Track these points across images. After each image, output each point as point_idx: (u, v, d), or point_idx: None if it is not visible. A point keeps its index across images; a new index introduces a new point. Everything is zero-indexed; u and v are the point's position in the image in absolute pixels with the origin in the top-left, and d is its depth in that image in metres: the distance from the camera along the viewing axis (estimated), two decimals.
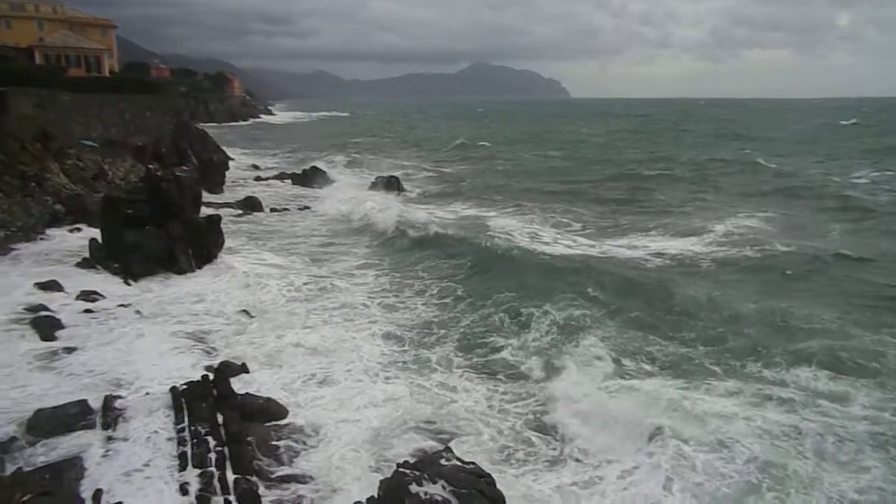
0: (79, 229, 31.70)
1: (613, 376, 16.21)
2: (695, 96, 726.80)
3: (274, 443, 13.33)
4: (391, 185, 47.98)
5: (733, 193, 45.64)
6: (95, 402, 14.09)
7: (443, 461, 11.80)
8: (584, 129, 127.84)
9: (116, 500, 10.88)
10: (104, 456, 12.57)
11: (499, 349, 18.55)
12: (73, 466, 11.96)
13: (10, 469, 11.69)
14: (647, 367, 16.87)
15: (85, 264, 25.72)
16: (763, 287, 23.73)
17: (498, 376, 16.87)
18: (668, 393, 14.70)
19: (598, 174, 57.90)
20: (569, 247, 30.59)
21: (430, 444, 13.00)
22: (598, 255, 28.94)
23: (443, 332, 20.14)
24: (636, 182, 51.84)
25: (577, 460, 13.02)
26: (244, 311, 21.22)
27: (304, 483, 11.96)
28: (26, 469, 11.60)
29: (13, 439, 12.74)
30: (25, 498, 9.32)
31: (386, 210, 37.49)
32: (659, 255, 29.20)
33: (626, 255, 29.40)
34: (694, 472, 11.93)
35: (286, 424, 14.18)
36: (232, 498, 11.41)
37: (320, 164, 58.39)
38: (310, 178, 52.94)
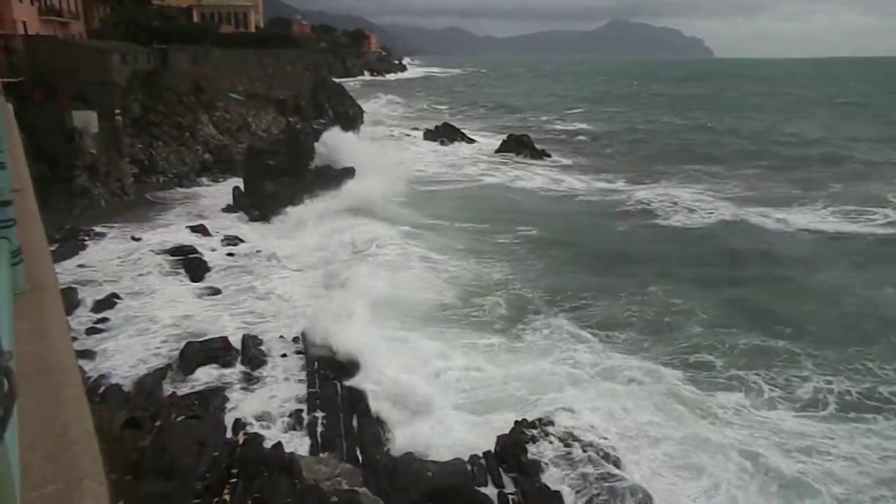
0: (224, 177, 34.06)
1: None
2: (861, 55, 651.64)
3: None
4: (523, 143, 47.34)
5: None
6: (235, 341, 15.29)
7: (560, 423, 11.84)
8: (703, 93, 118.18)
9: (253, 432, 11.79)
10: (243, 389, 13.68)
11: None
12: (216, 396, 13.13)
13: (166, 392, 13.08)
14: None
15: (229, 210, 27.69)
16: None
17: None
18: None
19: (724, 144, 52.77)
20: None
21: (551, 409, 12.71)
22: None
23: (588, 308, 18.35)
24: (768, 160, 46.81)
25: None
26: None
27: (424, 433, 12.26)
28: (179, 394, 12.87)
29: (168, 367, 14.29)
30: (179, 419, 10.36)
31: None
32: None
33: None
34: None
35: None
36: (355, 440, 12.02)
37: (452, 122, 58.66)
38: (441, 134, 53.41)
